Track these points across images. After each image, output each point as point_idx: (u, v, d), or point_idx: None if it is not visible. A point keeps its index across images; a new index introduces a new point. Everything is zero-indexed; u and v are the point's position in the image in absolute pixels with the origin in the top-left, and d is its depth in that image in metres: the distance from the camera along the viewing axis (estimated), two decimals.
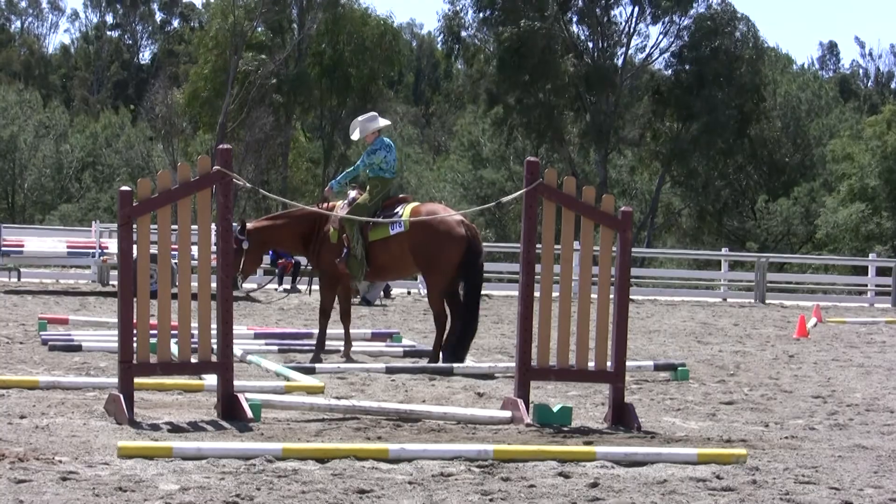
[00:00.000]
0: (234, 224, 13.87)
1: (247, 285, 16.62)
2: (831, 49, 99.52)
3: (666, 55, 60.26)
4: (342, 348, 14.97)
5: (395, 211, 14.56)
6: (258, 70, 58.74)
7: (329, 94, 62.56)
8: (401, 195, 15.10)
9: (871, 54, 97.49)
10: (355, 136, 14.98)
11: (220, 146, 10.38)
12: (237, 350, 13.62)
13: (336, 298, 15.16)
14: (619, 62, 59.65)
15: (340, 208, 14.63)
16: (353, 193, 14.88)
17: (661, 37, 59.83)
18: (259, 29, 61.50)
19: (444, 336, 14.56)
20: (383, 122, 15.04)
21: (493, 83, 58.05)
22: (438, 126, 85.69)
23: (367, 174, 14.75)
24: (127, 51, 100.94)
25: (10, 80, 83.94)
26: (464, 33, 60.34)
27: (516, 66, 55.60)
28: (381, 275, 15.25)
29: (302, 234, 14.84)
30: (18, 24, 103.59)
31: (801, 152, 63.98)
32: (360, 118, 15.09)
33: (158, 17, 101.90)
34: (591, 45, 59.32)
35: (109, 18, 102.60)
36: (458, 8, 59.75)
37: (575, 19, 59.27)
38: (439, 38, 64.49)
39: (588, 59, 58.62)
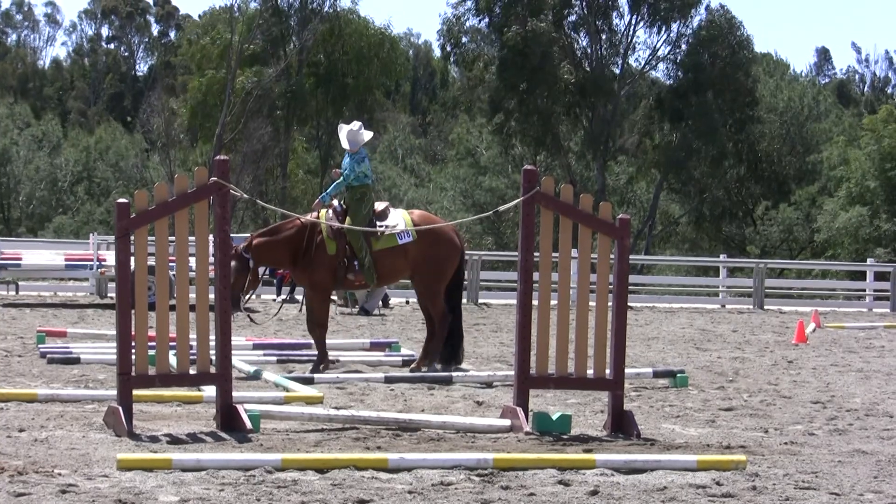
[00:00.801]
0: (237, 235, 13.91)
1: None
2: (824, 55, 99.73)
3: (664, 63, 60.39)
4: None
5: (394, 222, 14.73)
6: (258, 83, 58.75)
7: (326, 104, 62.56)
8: (380, 202, 15.19)
9: (867, 60, 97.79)
10: (347, 144, 15.01)
11: (217, 157, 10.39)
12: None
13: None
14: (618, 70, 59.67)
15: (328, 219, 14.61)
16: (335, 203, 14.91)
17: (660, 44, 59.95)
18: (257, 41, 61.46)
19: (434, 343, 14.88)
20: (369, 134, 15.22)
21: (493, 89, 58.07)
22: (435, 135, 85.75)
23: (350, 183, 14.81)
24: (123, 63, 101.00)
25: (3, 94, 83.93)
26: (464, 39, 60.37)
27: (518, 69, 55.67)
28: (382, 282, 15.40)
29: (295, 248, 14.79)
30: (14, 37, 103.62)
31: (799, 158, 64.05)
32: (352, 127, 15.11)
33: (155, 28, 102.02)
34: (589, 51, 59.37)
35: (105, 31, 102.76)
36: (459, 13, 59.81)
37: (572, 25, 59.28)
38: (438, 45, 64.36)
39: (587, 66, 58.70)
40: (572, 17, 59.12)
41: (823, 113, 67.25)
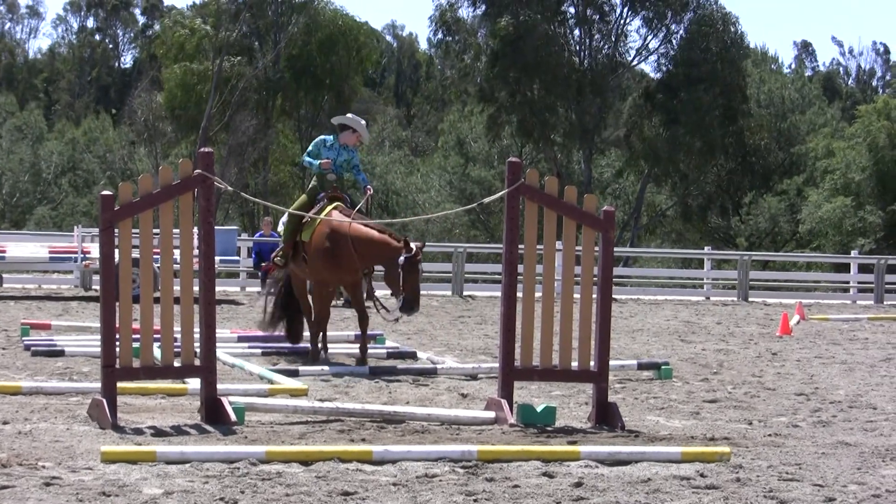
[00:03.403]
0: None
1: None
2: (806, 48, 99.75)
3: (655, 56, 60.46)
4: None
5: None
6: (239, 74, 58.57)
7: (305, 96, 62.28)
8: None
9: (851, 52, 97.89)
10: (366, 138, 15.06)
11: (202, 150, 10.38)
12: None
13: (314, 302, 15.07)
14: (609, 62, 59.56)
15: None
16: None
17: (651, 38, 59.98)
18: (242, 31, 61.20)
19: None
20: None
21: (485, 79, 57.96)
22: (419, 126, 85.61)
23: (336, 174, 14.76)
24: (109, 55, 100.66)
25: None
26: (455, 27, 60.13)
27: (510, 60, 55.63)
28: None
29: None
30: None
31: (784, 150, 64.16)
32: (361, 121, 15.06)
33: (140, 21, 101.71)
34: (576, 41, 59.36)
35: (91, 23, 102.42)
36: (452, 0, 59.61)
37: (567, 18, 59.25)
38: (430, 31, 63.91)
39: (576, 58, 58.71)
40: (570, 12, 59.10)
41: (808, 104, 67.33)
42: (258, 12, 61.76)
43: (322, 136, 15.04)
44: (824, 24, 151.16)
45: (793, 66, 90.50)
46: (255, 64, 59.93)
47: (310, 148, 14.95)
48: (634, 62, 61.12)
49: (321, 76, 61.01)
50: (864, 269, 37.14)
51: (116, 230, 9.80)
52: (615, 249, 10.76)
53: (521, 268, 10.77)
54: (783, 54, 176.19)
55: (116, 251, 9.81)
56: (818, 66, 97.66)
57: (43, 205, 70.50)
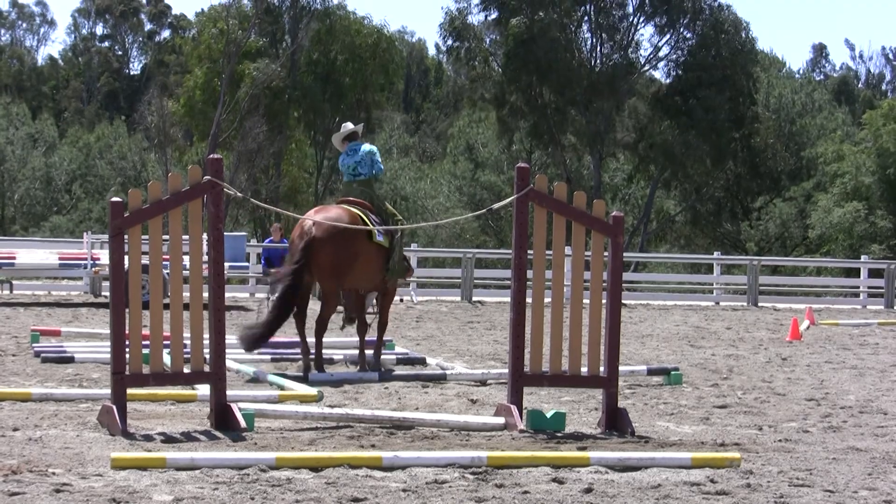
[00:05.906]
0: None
1: None
2: (821, 52, 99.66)
3: (666, 62, 60.48)
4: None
5: None
6: (252, 80, 58.61)
7: (322, 103, 62.42)
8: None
9: (861, 56, 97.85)
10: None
11: (211, 156, 10.38)
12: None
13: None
14: (620, 67, 59.59)
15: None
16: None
17: (663, 43, 60.06)
18: (252, 38, 61.29)
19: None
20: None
21: (497, 83, 58.00)
22: (427, 132, 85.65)
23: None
24: (116, 61, 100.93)
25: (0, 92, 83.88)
26: (465, 32, 60.24)
27: (522, 62, 55.67)
28: None
29: None
30: (8, 36, 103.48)
31: (793, 155, 64.12)
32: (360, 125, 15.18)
33: (147, 27, 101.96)
34: (587, 46, 59.42)
35: (99, 29, 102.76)
36: (462, 7, 59.71)
37: (586, 27, 59.35)
38: (440, 37, 63.83)
39: (587, 63, 58.76)
40: (579, 12, 59.18)
41: (817, 109, 67.29)
42: (271, 19, 61.87)
43: (372, 145, 14.85)
44: (841, 28, 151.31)
45: (801, 70, 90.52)
46: (267, 68, 59.85)
47: (379, 156, 14.89)
48: (645, 68, 61.20)
49: (343, 84, 61.12)
50: (874, 273, 37.07)
51: (126, 237, 9.80)
52: (624, 254, 10.74)
53: (530, 273, 10.76)
54: (800, 57, 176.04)
55: (126, 257, 9.81)
56: (834, 68, 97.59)
57: (54, 212, 70.73)
